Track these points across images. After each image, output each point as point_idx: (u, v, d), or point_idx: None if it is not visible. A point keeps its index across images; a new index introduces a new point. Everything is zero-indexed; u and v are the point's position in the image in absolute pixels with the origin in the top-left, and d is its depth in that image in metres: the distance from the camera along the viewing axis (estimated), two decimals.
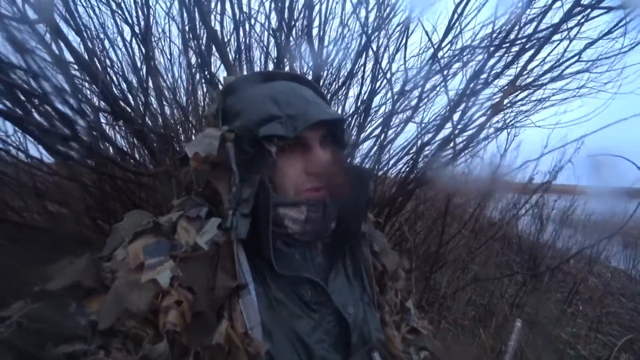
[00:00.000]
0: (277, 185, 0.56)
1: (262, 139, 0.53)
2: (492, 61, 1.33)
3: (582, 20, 1.20)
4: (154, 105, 1.52)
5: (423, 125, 1.67)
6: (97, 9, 1.34)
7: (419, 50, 1.79)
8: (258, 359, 0.46)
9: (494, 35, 1.41)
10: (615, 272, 3.55)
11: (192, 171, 0.58)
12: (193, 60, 1.50)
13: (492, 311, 2.29)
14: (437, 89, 1.69)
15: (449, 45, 1.54)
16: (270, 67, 1.52)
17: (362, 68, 1.58)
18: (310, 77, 1.13)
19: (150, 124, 1.45)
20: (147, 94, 1.23)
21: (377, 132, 1.78)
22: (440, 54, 1.47)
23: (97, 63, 1.25)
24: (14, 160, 1.29)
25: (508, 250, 3.18)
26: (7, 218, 1.21)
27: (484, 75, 1.37)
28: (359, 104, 1.74)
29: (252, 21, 1.49)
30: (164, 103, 1.59)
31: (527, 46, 1.27)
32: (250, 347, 0.46)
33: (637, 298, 3.16)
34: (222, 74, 1.45)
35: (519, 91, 1.65)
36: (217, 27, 1.36)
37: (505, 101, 1.70)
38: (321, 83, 1.60)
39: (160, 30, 1.59)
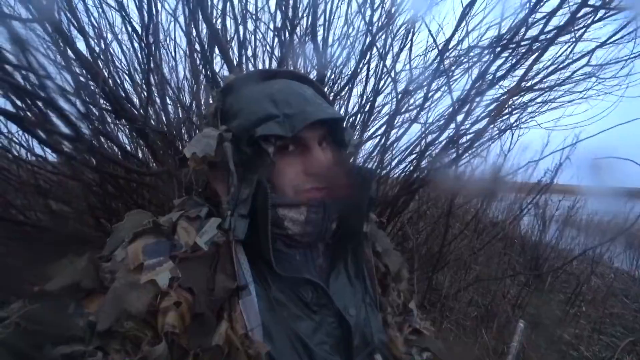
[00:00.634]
0: (277, 186, 0.55)
1: (260, 138, 0.52)
2: (497, 62, 1.33)
3: (590, 22, 1.19)
4: (158, 105, 1.52)
5: (427, 125, 1.66)
6: (100, 9, 1.34)
7: (425, 49, 1.78)
8: None
9: (500, 36, 1.39)
10: (618, 273, 3.53)
11: (191, 171, 0.58)
12: (197, 60, 1.50)
13: (494, 312, 2.28)
14: (442, 89, 1.68)
15: (455, 44, 1.53)
16: (274, 66, 1.52)
17: (367, 67, 1.57)
18: (314, 77, 1.12)
19: (152, 123, 1.45)
20: (150, 93, 1.23)
21: (380, 131, 1.77)
22: (445, 54, 1.46)
23: (100, 62, 1.25)
24: (17, 159, 1.29)
25: (510, 251, 3.17)
26: (10, 217, 1.21)
27: (489, 77, 1.36)
28: (362, 102, 1.73)
29: (256, 20, 1.48)
30: (168, 102, 1.59)
31: (533, 47, 1.26)
32: (250, 349, 0.46)
33: None
34: (225, 73, 1.44)
35: (525, 92, 1.64)
36: (220, 26, 1.36)
37: (510, 102, 1.69)
38: (325, 82, 1.59)
39: (165, 29, 1.58)
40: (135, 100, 1.45)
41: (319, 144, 0.57)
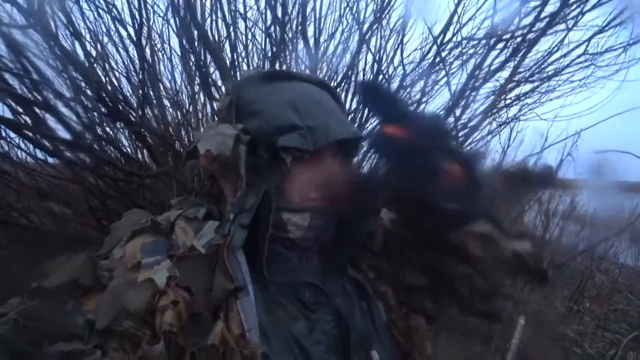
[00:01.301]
0: (284, 190, 0.55)
1: (280, 148, 0.52)
2: (493, 54, 1.32)
3: (580, 10, 1.18)
4: (155, 107, 1.53)
5: None
6: (95, 12, 1.34)
7: (420, 44, 1.76)
8: None
9: (494, 27, 1.38)
10: (623, 269, 3.49)
11: (199, 166, 0.58)
12: (191, 61, 1.51)
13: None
14: (439, 83, 1.67)
15: (450, 37, 1.52)
16: (267, 65, 1.52)
17: (363, 63, 1.56)
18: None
19: (152, 125, 1.46)
20: (146, 95, 1.24)
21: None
22: (441, 47, 1.45)
23: (95, 66, 1.26)
24: (17, 163, 1.31)
25: None
26: (12, 220, 1.22)
27: (485, 69, 1.36)
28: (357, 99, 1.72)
29: (245, 20, 1.48)
30: (165, 104, 1.60)
31: (527, 37, 1.25)
32: (245, 349, 0.46)
33: None
34: (217, 75, 1.44)
35: (522, 83, 1.63)
36: (211, 28, 1.36)
37: (507, 93, 1.68)
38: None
39: (157, 32, 1.59)
40: (134, 102, 1.45)
41: (331, 155, 0.57)
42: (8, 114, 0.97)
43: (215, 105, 1.42)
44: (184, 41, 1.31)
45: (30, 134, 0.94)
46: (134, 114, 1.30)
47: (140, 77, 1.16)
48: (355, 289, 0.62)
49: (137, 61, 1.37)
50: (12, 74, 0.91)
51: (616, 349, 1.91)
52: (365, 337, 0.57)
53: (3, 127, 1.19)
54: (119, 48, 1.48)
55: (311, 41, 1.39)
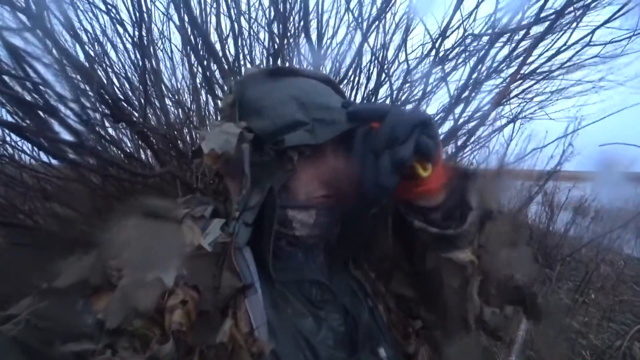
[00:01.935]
0: (289, 188, 0.54)
1: (287, 147, 0.51)
2: (494, 50, 1.30)
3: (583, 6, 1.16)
4: (157, 106, 1.52)
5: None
6: (90, 12, 1.33)
7: (422, 41, 1.75)
8: (262, 358, 0.46)
9: (496, 23, 1.36)
10: (628, 260, 3.47)
11: (204, 165, 0.57)
12: (193, 59, 1.50)
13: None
14: (441, 81, 1.66)
15: (450, 33, 1.50)
16: (269, 63, 1.51)
17: (366, 60, 1.55)
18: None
19: (153, 125, 1.46)
20: (147, 95, 1.23)
21: None
22: (442, 44, 1.43)
23: (97, 66, 1.26)
24: (22, 165, 1.31)
25: None
26: (18, 222, 1.23)
27: (488, 65, 1.34)
28: (363, 97, 1.71)
29: (249, 19, 1.47)
30: (167, 104, 1.60)
31: (530, 33, 1.23)
32: (253, 347, 0.46)
33: None
34: (217, 75, 1.43)
35: (527, 78, 1.61)
36: (214, 22, 1.35)
37: (513, 90, 1.67)
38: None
39: (159, 31, 1.58)
40: (135, 102, 1.45)
41: (334, 150, 0.56)
42: (10, 118, 0.97)
43: (218, 103, 1.42)
44: (187, 38, 1.30)
45: (34, 137, 0.94)
46: (136, 114, 1.30)
47: (142, 76, 1.15)
48: (359, 287, 0.62)
49: (138, 60, 1.37)
50: (12, 77, 0.90)
51: (622, 340, 1.91)
52: (371, 335, 0.58)
53: (6, 131, 1.19)
54: (119, 47, 1.47)
55: (314, 37, 1.38)
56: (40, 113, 0.98)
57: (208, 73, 1.32)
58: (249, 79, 0.60)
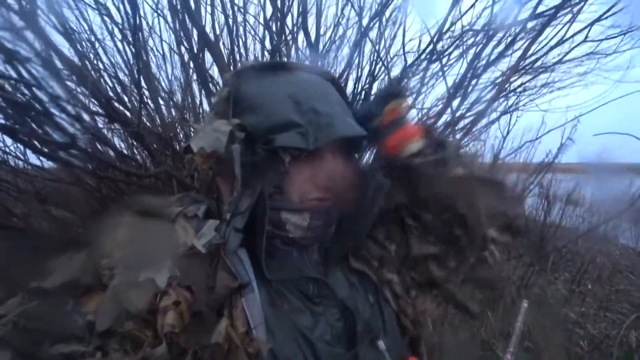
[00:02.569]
0: (282, 190, 0.53)
1: (277, 147, 0.50)
2: (491, 44, 1.30)
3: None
4: (150, 106, 1.51)
5: (424, 110, 1.64)
6: (85, 12, 1.32)
7: (420, 34, 1.74)
8: (259, 358, 0.46)
9: (493, 17, 1.36)
10: (624, 250, 3.51)
11: (194, 165, 0.57)
12: (186, 57, 1.49)
13: (499, 294, 2.29)
14: (438, 74, 1.66)
15: (448, 27, 1.50)
16: (267, 58, 1.50)
17: (363, 57, 1.55)
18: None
19: (147, 124, 1.44)
20: (141, 95, 1.22)
21: None
22: (440, 38, 1.43)
23: (89, 66, 1.24)
24: (14, 168, 1.30)
25: None
26: (12, 225, 1.22)
27: (485, 59, 1.34)
28: (358, 90, 1.71)
29: (245, 13, 1.46)
30: (161, 103, 1.58)
31: (527, 28, 1.23)
32: (250, 347, 0.46)
33: None
34: (215, 70, 1.43)
35: (525, 72, 1.61)
36: (209, 20, 1.34)
37: (510, 83, 1.67)
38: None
39: (149, 27, 1.56)
40: (128, 102, 1.44)
41: (332, 153, 0.55)
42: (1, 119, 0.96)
43: (212, 100, 1.41)
44: (181, 34, 1.29)
45: (26, 139, 0.93)
46: (130, 114, 1.28)
47: (135, 76, 1.14)
48: (359, 280, 0.62)
49: (129, 59, 1.35)
50: (4, 77, 0.89)
51: (619, 329, 1.93)
52: (371, 328, 0.57)
53: None
54: (111, 47, 1.46)
55: (312, 33, 1.37)
56: (33, 114, 0.96)
57: (202, 69, 1.31)
58: (245, 72, 0.58)
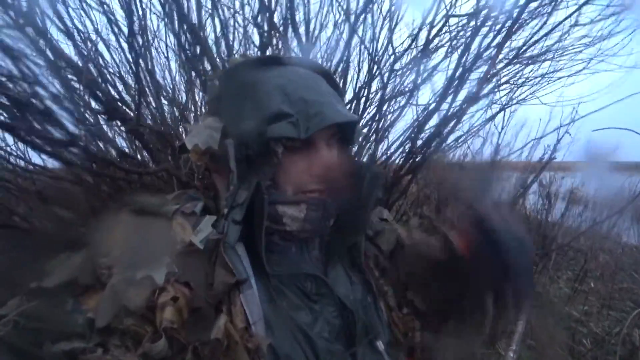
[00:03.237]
0: (278, 183, 0.54)
1: (269, 138, 0.51)
2: (480, 36, 1.31)
3: None
4: (151, 104, 1.52)
5: (419, 108, 1.64)
6: (80, 10, 1.32)
7: (411, 30, 1.74)
8: (259, 354, 0.46)
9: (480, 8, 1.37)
10: (626, 248, 3.49)
11: (189, 163, 0.57)
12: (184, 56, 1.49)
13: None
14: (431, 71, 1.66)
15: (438, 21, 1.51)
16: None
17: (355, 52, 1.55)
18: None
19: (148, 122, 1.45)
20: (141, 92, 1.23)
21: (376, 119, 1.76)
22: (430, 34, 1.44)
23: (89, 64, 1.25)
24: (15, 167, 1.30)
25: None
26: (14, 224, 1.22)
27: (475, 51, 1.34)
28: (356, 90, 1.71)
29: (234, 13, 1.46)
30: (162, 101, 1.59)
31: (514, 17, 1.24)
32: (249, 343, 0.46)
33: None
34: (207, 67, 1.43)
35: (513, 61, 1.61)
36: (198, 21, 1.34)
37: (503, 77, 1.67)
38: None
39: (152, 28, 1.57)
40: (129, 100, 1.45)
41: (326, 143, 0.55)
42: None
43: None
44: (177, 32, 1.30)
45: (27, 136, 0.94)
46: (130, 112, 1.29)
47: (137, 74, 1.15)
48: (361, 279, 0.62)
49: (129, 57, 1.36)
50: (4, 75, 0.90)
51: (622, 327, 1.92)
52: (369, 328, 0.57)
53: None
54: (112, 45, 1.47)
55: (301, 29, 1.37)
56: (32, 111, 0.97)
57: (199, 67, 1.32)
58: (235, 69, 0.58)
